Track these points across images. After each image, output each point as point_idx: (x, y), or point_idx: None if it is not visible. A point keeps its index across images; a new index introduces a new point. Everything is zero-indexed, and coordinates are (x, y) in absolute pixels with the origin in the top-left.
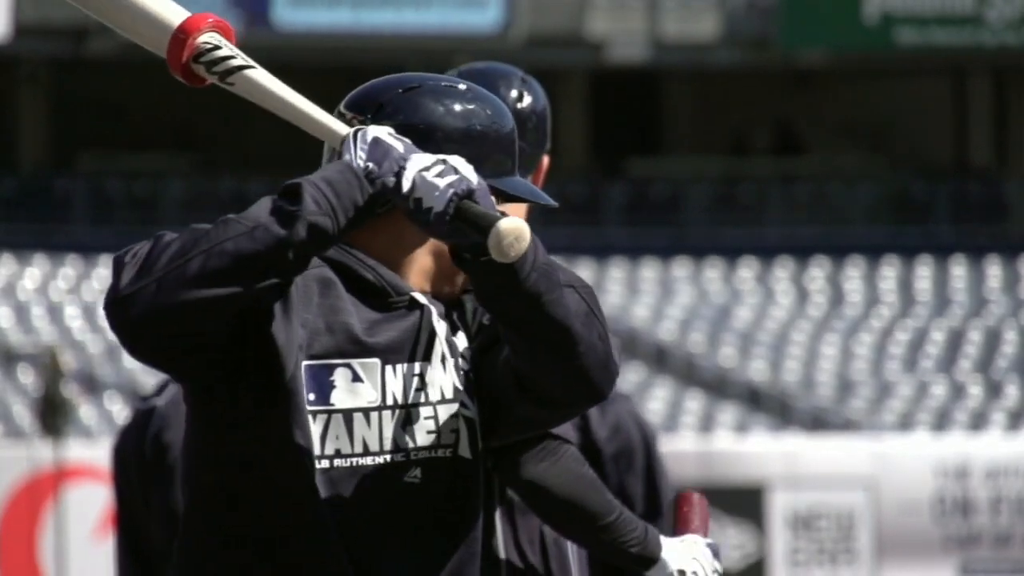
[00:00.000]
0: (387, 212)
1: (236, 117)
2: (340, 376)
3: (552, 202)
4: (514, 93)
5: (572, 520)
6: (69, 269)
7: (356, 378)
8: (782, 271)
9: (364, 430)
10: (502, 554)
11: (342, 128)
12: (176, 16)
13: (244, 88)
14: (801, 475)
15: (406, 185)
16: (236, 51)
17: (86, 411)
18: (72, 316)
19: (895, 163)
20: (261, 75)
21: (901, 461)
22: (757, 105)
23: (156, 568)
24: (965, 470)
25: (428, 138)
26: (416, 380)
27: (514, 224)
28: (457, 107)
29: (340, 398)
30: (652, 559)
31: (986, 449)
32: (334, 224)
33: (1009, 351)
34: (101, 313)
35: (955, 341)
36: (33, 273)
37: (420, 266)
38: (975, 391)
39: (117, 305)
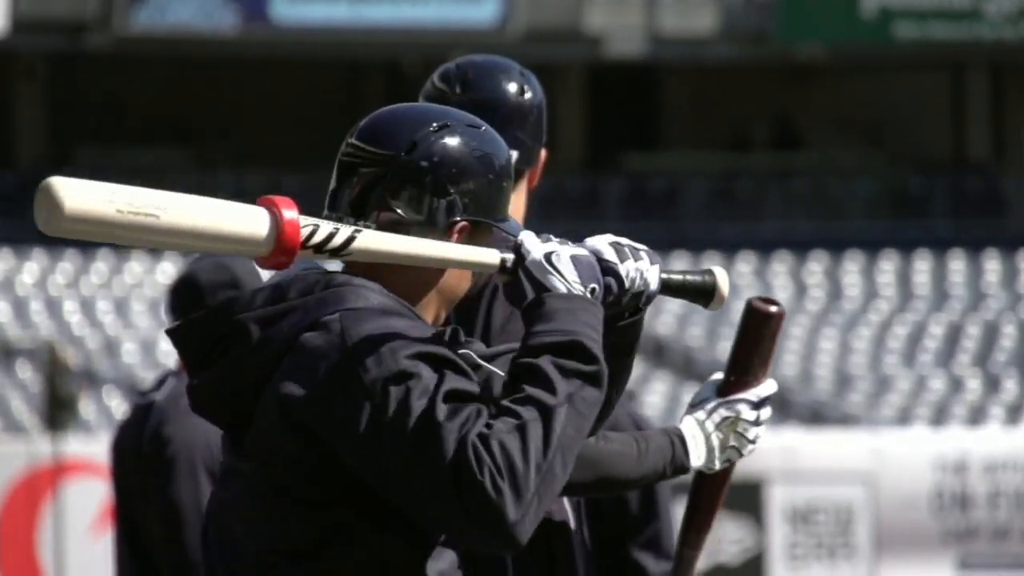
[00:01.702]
0: None
1: (234, 112)
2: None
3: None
4: (515, 87)
5: (605, 491)
6: (67, 264)
7: None
8: (780, 265)
9: None
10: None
11: (489, 255)
12: (256, 218)
13: (364, 255)
14: (799, 469)
15: (629, 286)
16: (329, 223)
17: (85, 406)
18: (70, 311)
19: (893, 158)
20: (373, 235)
21: (899, 455)
22: (755, 100)
23: (155, 561)
24: (963, 464)
25: (457, 180)
26: None
27: (726, 277)
28: (481, 150)
29: None
30: (685, 470)
31: (985, 443)
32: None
33: (1007, 345)
34: (99, 307)
35: (953, 335)
36: (32, 268)
37: (434, 306)
38: (973, 385)
39: (512, 531)
